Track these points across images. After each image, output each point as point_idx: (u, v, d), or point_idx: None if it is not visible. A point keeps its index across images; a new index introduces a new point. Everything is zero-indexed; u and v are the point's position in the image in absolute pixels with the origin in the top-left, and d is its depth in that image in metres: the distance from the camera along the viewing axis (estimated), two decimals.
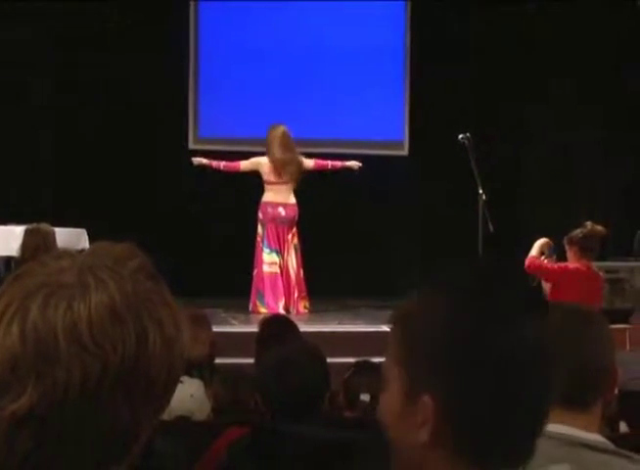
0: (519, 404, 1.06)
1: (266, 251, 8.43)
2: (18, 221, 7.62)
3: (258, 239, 8.50)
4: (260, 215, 8.46)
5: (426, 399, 1.04)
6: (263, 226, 8.46)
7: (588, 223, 6.14)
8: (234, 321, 7.87)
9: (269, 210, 8.43)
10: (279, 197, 8.44)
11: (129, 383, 0.92)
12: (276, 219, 8.41)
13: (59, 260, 0.97)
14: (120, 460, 0.95)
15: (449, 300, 1.08)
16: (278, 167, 8.35)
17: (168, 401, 0.97)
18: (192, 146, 10.17)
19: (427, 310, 1.08)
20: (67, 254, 0.98)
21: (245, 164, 8.52)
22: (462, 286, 1.10)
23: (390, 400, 1.09)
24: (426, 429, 1.05)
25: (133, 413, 0.93)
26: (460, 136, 7.86)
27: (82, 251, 0.99)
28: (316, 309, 8.61)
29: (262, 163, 8.47)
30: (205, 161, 8.57)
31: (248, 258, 8.79)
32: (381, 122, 10.39)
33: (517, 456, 1.08)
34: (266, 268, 8.40)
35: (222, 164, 8.57)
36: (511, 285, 1.11)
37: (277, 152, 8.36)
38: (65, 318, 0.91)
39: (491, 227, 7.71)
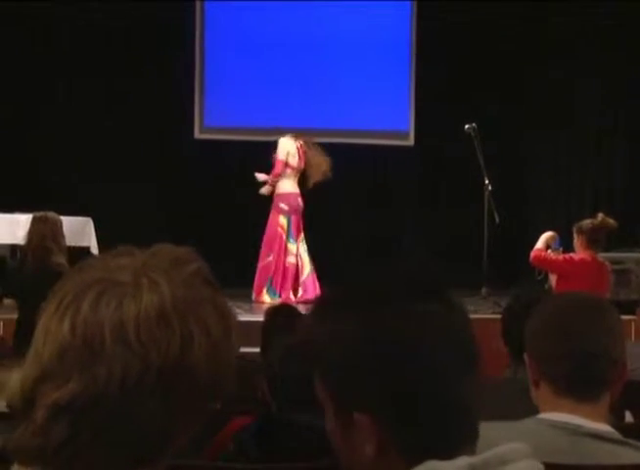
0: (444, 386, 1.06)
1: (290, 241, 8.42)
2: (23, 210, 7.63)
3: (280, 230, 8.41)
4: (285, 207, 8.40)
5: (358, 417, 1.05)
6: (288, 217, 8.42)
7: (600, 215, 6.13)
8: (239, 310, 7.84)
9: (293, 201, 8.41)
10: (296, 187, 8.45)
11: (170, 385, 0.93)
12: (298, 211, 8.43)
13: (119, 258, 0.99)
14: (153, 462, 0.96)
15: (335, 321, 1.08)
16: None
17: (210, 410, 0.99)
18: (197, 135, 10.19)
19: (323, 340, 1.08)
20: (127, 251, 1.00)
21: (282, 160, 8.38)
22: (343, 303, 1.10)
23: (330, 423, 1.10)
24: (370, 444, 1.06)
25: (171, 415, 0.94)
26: (466, 126, 7.87)
27: (144, 250, 1.01)
28: None
29: (290, 145, 8.37)
30: (262, 177, 8.40)
31: (251, 247, 8.79)
32: (386, 112, 10.36)
33: (461, 438, 1.08)
34: (291, 259, 8.40)
35: (272, 175, 8.41)
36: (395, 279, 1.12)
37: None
38: (114, 316, 0.93)
39: (497, 218, 7.72)
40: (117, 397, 0.92)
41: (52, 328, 0.95)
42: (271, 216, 8.47)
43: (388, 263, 1.13)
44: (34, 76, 9.67)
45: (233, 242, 9.71)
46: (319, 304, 1.14)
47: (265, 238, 8.49)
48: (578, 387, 1.81)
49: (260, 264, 8.48)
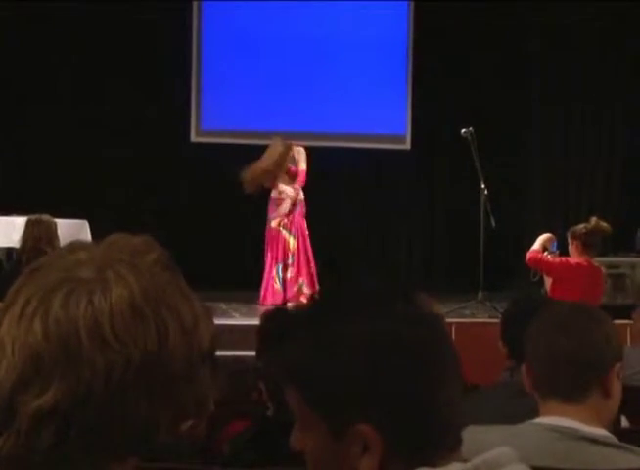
0: (441, 392, 1.06)
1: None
2: (18, 213, 7.63)
3: (307, 233, 8.46)
4: (305, 211, 8.47)
5: (361, 427, 1.04)
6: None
7: (593, 219, 6.13)
8: (235, 314, 7.86)
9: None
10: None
11: (150, 377, 0.92)
12: None
13: (75, 253, 0.97)
14: (138, 452, 0.96)
15: (321, 340, 1.07)
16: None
17: (187, 395, 0.97)
18: (194, 139, 10.17)
19: (317, 357, 1.07)
20: (82, 245, 0.98)
21: (303, 168, 8.41)
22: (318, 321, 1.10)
23: (317, 444, 1.08)
24: (372, 455, 1.04)
25: (153, 406, 0.93)
26: (463, 131, 7.86)
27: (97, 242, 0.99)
28: None
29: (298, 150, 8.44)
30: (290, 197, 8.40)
31: (249, 250, 8.79)
32: (383, 116, 10.36)
33: (452, 445, 1.08)
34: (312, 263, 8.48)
35: (298, 186, 8.43)
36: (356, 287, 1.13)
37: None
38: (86, 314, 0.91)
39: (493, 222, 7.72)
40: (102, 395, 0.91)
41: (20, 335, 0.92)
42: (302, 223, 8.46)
43: (383, 268, 1.13)
44: (29, 77, 9.64)
45: (230, 247, 9.69)
46: (305, 313, 1.13)
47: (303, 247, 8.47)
48: (571, 390, 1.83)
49: (310, 268, 8.43)
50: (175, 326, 0.94)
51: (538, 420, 1.85)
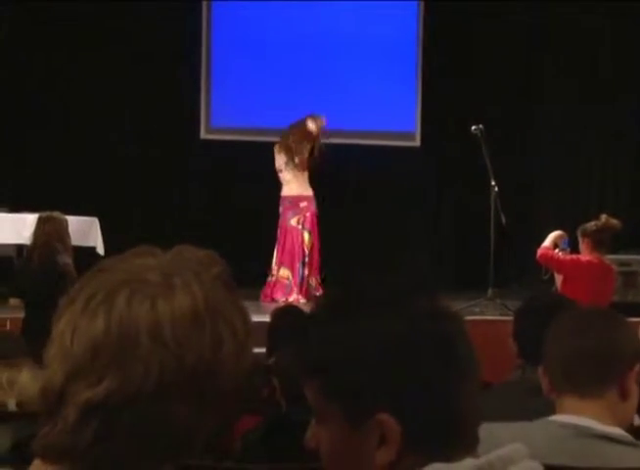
0: (462, 386, 1.07)
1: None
2: (29, 209, 7.65)
3: (317, 230, 8.55)
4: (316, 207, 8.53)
5: (383, 417, 1.04)
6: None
7: (603, 216, 6.11)
8: None
9: None
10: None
11: (200, 384, 0.95)
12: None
13: (143, 257, 1.00)
14: (175, 459, 0.98)
15: (353, 329, 1.08)
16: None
17: (233, 406, 1.00)
18: (204, 136, 10.16)
19: (341, 350, 1.08)
20: (149, 251, 1.01)
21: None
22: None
23: (333, 436, 1.09)
24: (391, 445, 1.05)
25: (199, 415, 0.95)
26: (473, 127, 7.84)
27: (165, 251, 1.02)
28: None
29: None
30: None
31: (259, 246, 8.80)
32: (392, 113, 10.35)
33: (467, 441, 1.08)
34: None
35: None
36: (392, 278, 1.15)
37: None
38: (148, 315, 0.94)
39: (503, 219, 7.70)
40: (152, 395, 0.92)
41: (82, 325, 0.94)
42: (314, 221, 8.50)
43: (394, 265, 1.14)
44: (42, 74, 9.64)
45: (243, 246, 9.71)
46: (329, 306, 1.13)
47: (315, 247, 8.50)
48: (585, 386, 1.82)
49: (318, 265, 8.49)
50: (229, 338, 0.97)
51: (553, 418, 1.84)
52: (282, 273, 8.52)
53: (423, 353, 1.06)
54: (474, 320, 7.09)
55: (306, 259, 8.45)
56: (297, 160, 8.40)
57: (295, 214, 8.47)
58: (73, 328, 0.94)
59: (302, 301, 8.20)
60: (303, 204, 8.47)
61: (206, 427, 0.97)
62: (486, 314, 7.50)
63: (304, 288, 8.41)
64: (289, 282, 8.48)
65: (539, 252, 6.18)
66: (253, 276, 8.55)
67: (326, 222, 8.73)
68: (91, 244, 8.00)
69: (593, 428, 1.78)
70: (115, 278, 0.97)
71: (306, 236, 8.46)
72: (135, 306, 0.94)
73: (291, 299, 8.37)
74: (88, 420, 0.92)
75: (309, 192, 8.50)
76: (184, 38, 9.98)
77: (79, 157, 9.62)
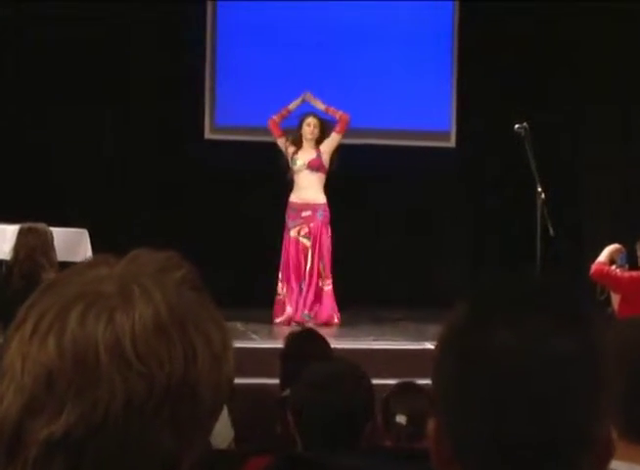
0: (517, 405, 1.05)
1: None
2: (10, 220, 7.64)
3: (329, 242, 8.56)
4: (329, 216, 8.56)
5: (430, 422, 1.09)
6: None
7: None
8: (254, 336, 7.88)
9: None
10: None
11: (175, 405, 0.93)
12: None
13: (96, 268, 0.98)
14: None
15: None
16: None
17: (212, 428, 0.99)
18: (208, 135, 10.28)
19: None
20: (103, 260, 1.00)
21: None
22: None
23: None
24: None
25: (177, 438, 0.94)
26: (516, 126, 7.82)
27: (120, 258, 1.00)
28: (344, 322, 8.59)
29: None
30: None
31: (269, 263, 8.81)
32: (424, 111, 10.39)
33: None
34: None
35: None
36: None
37: None
38: (106, 332, 0.92)
39: (552, 231, 7.67)
40: (120, 423, 0.91)
41: (32, 352, 0.93)
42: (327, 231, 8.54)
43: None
44: (33, 77, 9.79)
45: (245, 257, 9.74)
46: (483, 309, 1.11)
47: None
48: (634, 428, 1.80)
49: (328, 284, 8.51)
50: (204, 350, 0.95)
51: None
52: (279, 290, 8.57)
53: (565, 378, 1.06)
54: None
55: (306, 277, 8.43)
56: (304, 159, 8.44)
57: (295, 225, 8.48)
58: (23, 356, 0.93)
59: (294, 323, 8.22)
60: (307, 213, 8.47)
61: (189, 454, 0.95)
62: None
63: (298, 309, 8.39)
64: (282, 298, 8.50)
65: (593, 268, 6.15)
66: (265, 293, 8.57)
67: (349, 230, 8.71)
68: (80, 259, 7.99)
69: None
70: (66, 294, 0.95)
71: (307, 250, 8.44)
72: (90, 324, 0.92)
73: (278, 320, 8.39)
74: (51, 458, 0.91)
75: (318, 200, 8.48)
76: (187, 29, 10.08)
77: (69, 160, 9.70)
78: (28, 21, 9.74)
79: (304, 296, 8.41)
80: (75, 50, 9.78)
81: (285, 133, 8.60)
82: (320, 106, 8.66)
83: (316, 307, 8.44)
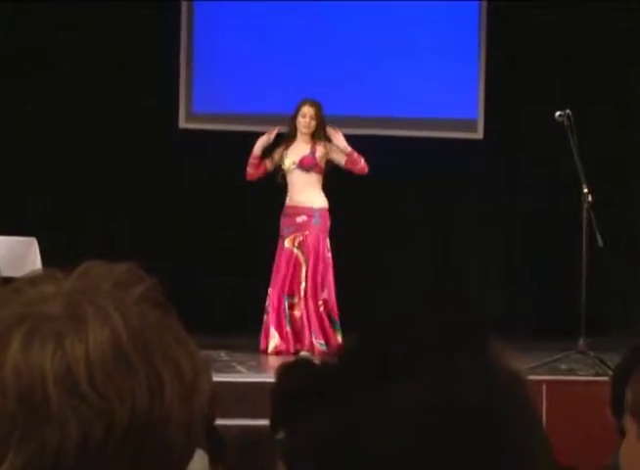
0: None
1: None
2: None
3: (329, 254, 8.57)
4: (329, 224, 8.60)
5: None
6: None
7: None
8: (241, 367, 7.90)
9: None
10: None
11: (140, 445, 0.94)
12: None
13: (39, 285, 0.99)
14: None
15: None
16: None
17: None
18: (183, 124, 10.43)
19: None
20: (46, 276, 1.01)
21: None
22: None
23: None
24: None
25: None
26: (558, 113, 7.85)
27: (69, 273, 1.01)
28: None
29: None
30: None
31: (259, 280, 8.78)
32: (448, 97, 10.54)
33: None
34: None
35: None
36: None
37: None
38: (54, 360, 0.93)
39: (600, 240, 7.67)
40: (74, 467, 0.92)
41: None
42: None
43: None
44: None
45: (230, 270, 9.83)
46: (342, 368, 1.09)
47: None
48: None
49: (327, 300, 8.55)
50: (172, 381, 0.97)
51: None
52: (267, 307, 8.61)
53: (460, 437, 1.01)
54: (559, 381, 7.22)
55: (301, 295, 8.47)
56: (295, 157, 8.52)
57: (290, 232, 8.52)
58: None
59: (273, 347, 8.32)
60: (301, 218, 8.46)
61: None
62: (577, 373, 7.55)
63: (284, 332, 8.42)
64: (265, 318, 8.53)
65: None
66: (255, 316, 8.60)
67: (364, 231, 9.09)
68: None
69: None
70: (3, 317, 0.96)
71: (303, 264, 8.48)
72: (35, 351, 0.93)
73: (265, 346, 8.41)
74: None
75: (315, 203, 8.50)
76: (162, 12, 10.33)
77: (24, 155, 9.83)
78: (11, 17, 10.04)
79: (307, 323, 8.42)
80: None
81: (264, 161, 8.63)
82: (341, 143, 8.55)
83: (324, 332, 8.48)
